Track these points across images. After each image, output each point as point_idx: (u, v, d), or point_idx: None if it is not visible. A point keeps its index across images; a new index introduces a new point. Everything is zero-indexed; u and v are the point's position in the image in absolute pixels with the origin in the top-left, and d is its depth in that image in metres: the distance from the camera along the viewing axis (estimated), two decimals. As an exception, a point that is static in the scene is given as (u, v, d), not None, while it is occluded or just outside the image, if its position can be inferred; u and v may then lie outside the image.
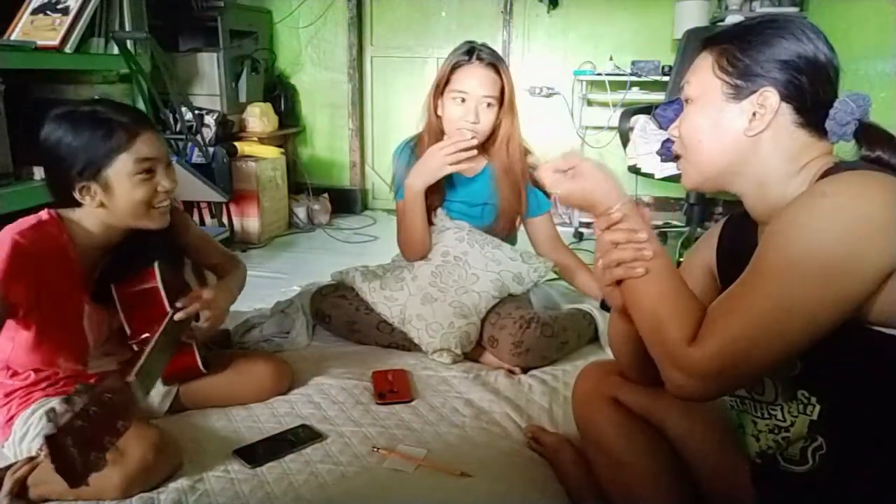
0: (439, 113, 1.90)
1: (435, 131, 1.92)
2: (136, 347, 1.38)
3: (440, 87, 1.88)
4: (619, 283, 0.92)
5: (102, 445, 0.91)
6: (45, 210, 1.32)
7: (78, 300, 1.33)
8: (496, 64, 1.84)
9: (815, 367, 0.84)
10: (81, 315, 1.34)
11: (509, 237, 2.04)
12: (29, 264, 1.21)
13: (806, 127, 0.88)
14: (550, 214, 2.04)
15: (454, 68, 1.85)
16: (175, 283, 1.46)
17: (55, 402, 1.31)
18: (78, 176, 1.26)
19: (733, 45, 0.91)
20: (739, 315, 0.79)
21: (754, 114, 0.88)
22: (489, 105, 1.83)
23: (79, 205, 1.30)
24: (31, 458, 1.25)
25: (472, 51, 1.84)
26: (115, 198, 1.29)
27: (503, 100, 1.86)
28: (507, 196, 1.95)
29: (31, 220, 1.28)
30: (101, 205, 1.29)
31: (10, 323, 1.25)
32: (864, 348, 0.80)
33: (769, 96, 0.87)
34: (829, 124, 0.86)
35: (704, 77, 0.93)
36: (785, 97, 0.87)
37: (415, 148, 1.98)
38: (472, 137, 1.82)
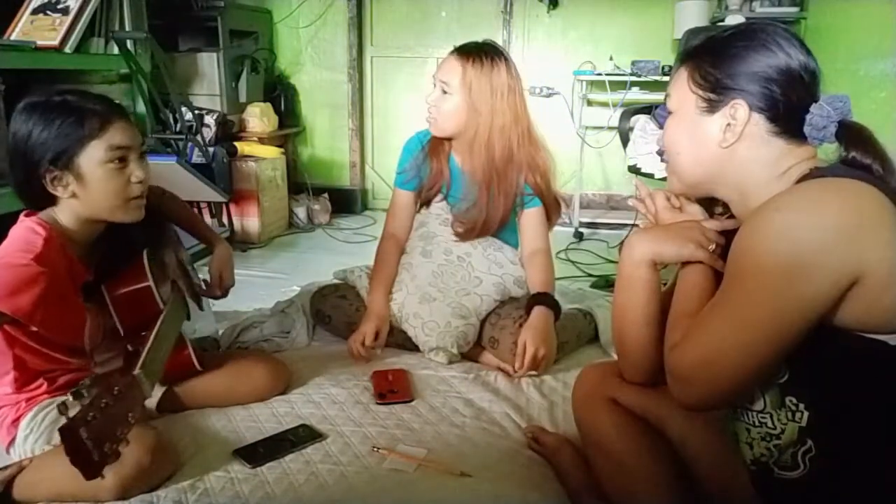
0: None
1: None
2: (130, 348, 1.38)
3: None
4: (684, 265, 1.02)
5: (115, 437, 0.93)
6: (33, 220, 1.28)
7: (80, 304, 1.33)
8: (465, 55, 1.80)
9: (800, 373, 0.85)
10: (84, 318, 1.34)
11: (507, 234, 2.00)
12: (48, 285, 1.20)
13: (782, 134, 0.89)
14: (542, 209, 1.93)
15: None
16: (165, 270, 1.48)
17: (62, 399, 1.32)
18: (50, 165, 1.24)
19: (706, 60, 0.93)
20: (706, 326, 0.85)
21: (728, 126, 0.90)
22: (444, 91, 1.81)
23: (52, 201, 1.28)
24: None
25: (464, 45, 1.85)
26: (87, 187, 1.27)
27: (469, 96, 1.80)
28: (484, 204, 1.87)
29: (34, 238, 1.24)
30: (74, 195, 1.27)
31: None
32: (847, 353, 0.81)
33: (739, 108, 0.89)
34: (806, 129, 0.87)
35: (681, 91, 0.96)
36: (757, 108, 0.88)
37: (426, 142, 1.96)
38: (432, 121, 1.85)
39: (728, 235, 1.06)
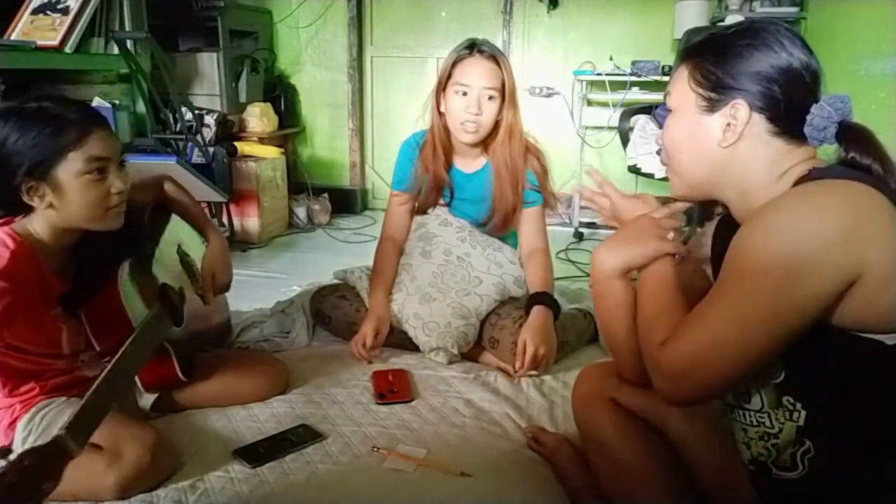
0: (442, 110, 1.89)
1: (439, 129, 1.92)
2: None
3: (442, 84, 1.88)
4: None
5: None
6: (4, 231, 1.23)
7: (51, 316, 1.29)
8: (496, 57, 1.84)
9: (797, 372, 0.86)
10: (58, 328, 1.30)
11: (506, 235, 2.03)
12: (12, 301, 1.16)
13: (783, 135, 0.89)
14: (542, 208, 1.99)
15: (456, 63, 1.85)
16: (159, 271, 1.44)
17: (56, 404, 1.32)
18: (26, 176, 1.18)
19: (707, 58, 0.92)
20: (701, 323, 0.84)
21: (728, 125, 0.89)
22: (490, 97, 1.82)
23: (27, 210, 1.24)
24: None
25: (473, 45, 1.85)
26: (65, 199, 1.22)
27: (505, 94, 1.86)
28: (503, 192, 1.92)
29: (1, 251, 1.19)
30: (51, 206, 1.22)
31: None
32: (844, 352, 0.81)
33: (740, 108, 0.88)
34: (807, 130, 0.87)
35: (681, 89, 0.95)
36: (758, 108, 0.88)
37: (421, 145, 1.97)
38: (476, 130, 1.83)
39: (718, 232, 1.06)
